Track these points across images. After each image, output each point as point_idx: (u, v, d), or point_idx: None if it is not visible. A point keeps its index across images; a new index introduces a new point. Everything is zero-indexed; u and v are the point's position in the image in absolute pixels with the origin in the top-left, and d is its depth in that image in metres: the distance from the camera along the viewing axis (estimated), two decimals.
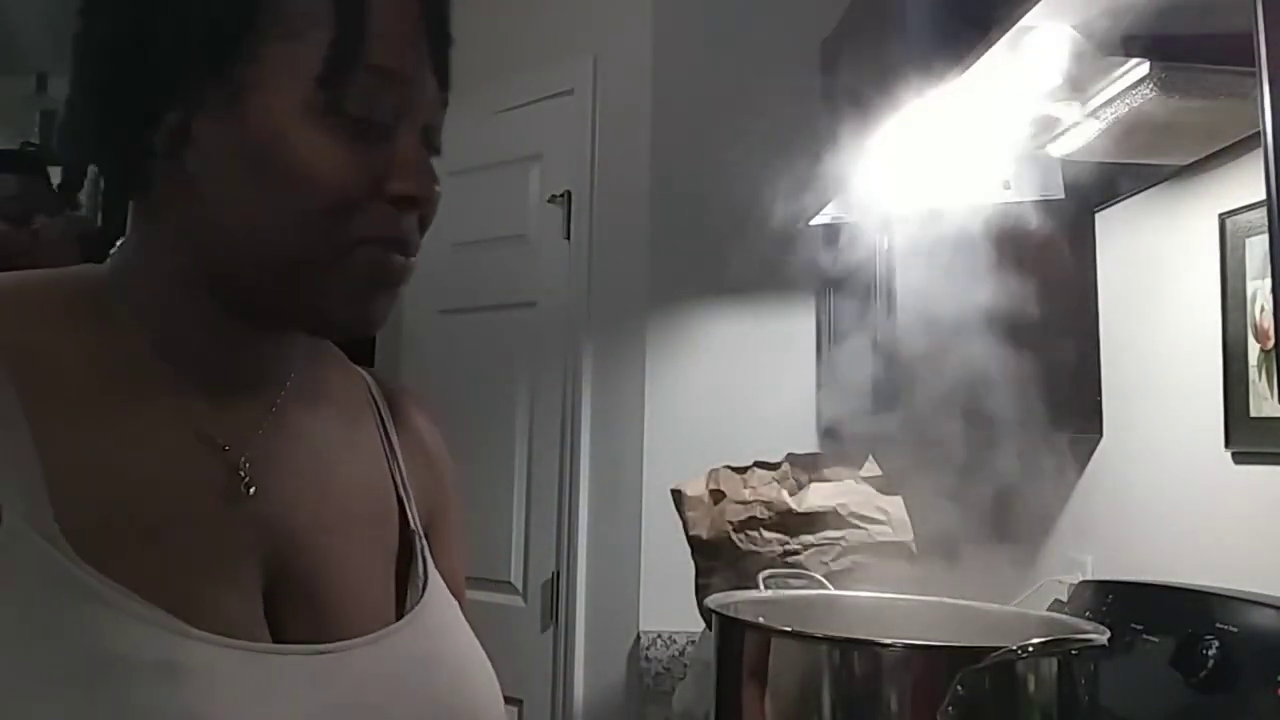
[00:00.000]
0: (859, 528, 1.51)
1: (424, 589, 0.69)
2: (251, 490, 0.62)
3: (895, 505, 1.54)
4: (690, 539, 1.64)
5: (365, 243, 0.60)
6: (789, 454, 1.69)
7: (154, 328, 0.61)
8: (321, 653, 0.60)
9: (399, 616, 0.66)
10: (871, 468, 1.60)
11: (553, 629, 2.25)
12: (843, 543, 1.49)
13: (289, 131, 0.58)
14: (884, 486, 1.57)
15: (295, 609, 0.61)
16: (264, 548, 0.61)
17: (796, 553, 1.48)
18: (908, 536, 1.52)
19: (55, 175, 2.03)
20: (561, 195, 2.33)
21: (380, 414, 0.75)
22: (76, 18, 0.61)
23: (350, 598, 0.64)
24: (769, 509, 1.54)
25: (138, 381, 0.60)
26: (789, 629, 1.03)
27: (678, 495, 1.68)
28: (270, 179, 0.58)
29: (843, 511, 1.51)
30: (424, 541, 0.72)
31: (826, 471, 1.60)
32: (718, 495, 1.61)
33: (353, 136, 0.59)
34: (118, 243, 0.64)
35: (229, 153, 0.58)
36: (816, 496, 1.54)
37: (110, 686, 0.51)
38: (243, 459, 0.62)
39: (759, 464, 1.67)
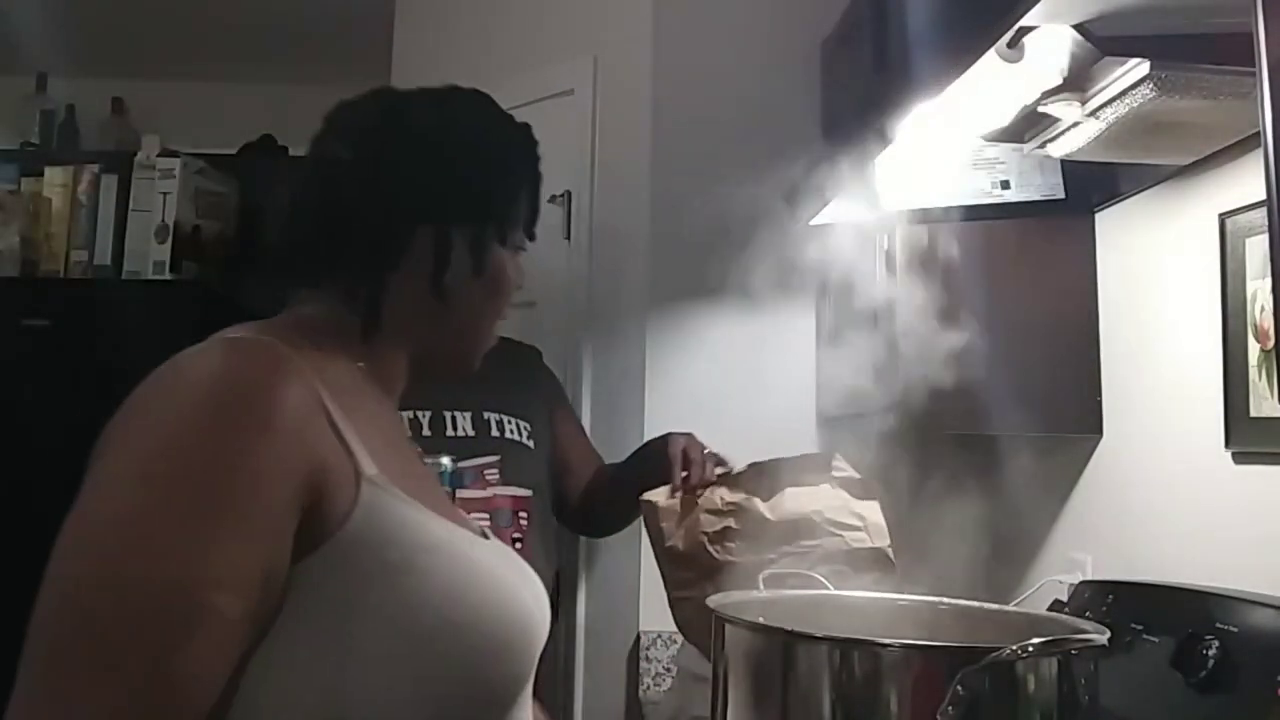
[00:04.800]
0: (835, 535, 1.46)
1: None
2: (426, 461, 1.06)
3: (871, 510, 1.49)
4: (666, 550, 1.58)
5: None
6: (750, 464, 1.62)
7: (374, 365, 0.97)
8: (488, 539, 0.99)
9: None
10: (841, 466, 1.55)
11: (552, 628, 2.24)
12: (819, 550, 1.45)
13: (505, 263, 1.04)
14: (859, 491, 1.53)
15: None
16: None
17: (773, 562, 1.44)
18: (884, 543, 1.47)
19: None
20: (561, 195, 2.33)
21: None
22: (431, 199, 0.99)
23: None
24: (742, 519, 1.50)
25: (373, 397, 0.95)
26: (789, 629, 1.03)
27: (650, 506, 1.61)
28: (491, 290, 1.02)
29: (817, 519, 1.47)
30: None
31: (803, 476, 1.54)
32: (690, 503, 1.57)
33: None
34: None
35: (470, 274, 1.00)
36: (790, 503, 1.49)
37: (444, 553, 0.86)
38: (415, 445, 1.03)
39: (722, 478, 1.60)
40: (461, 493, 1.68)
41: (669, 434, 1.74)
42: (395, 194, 0.98)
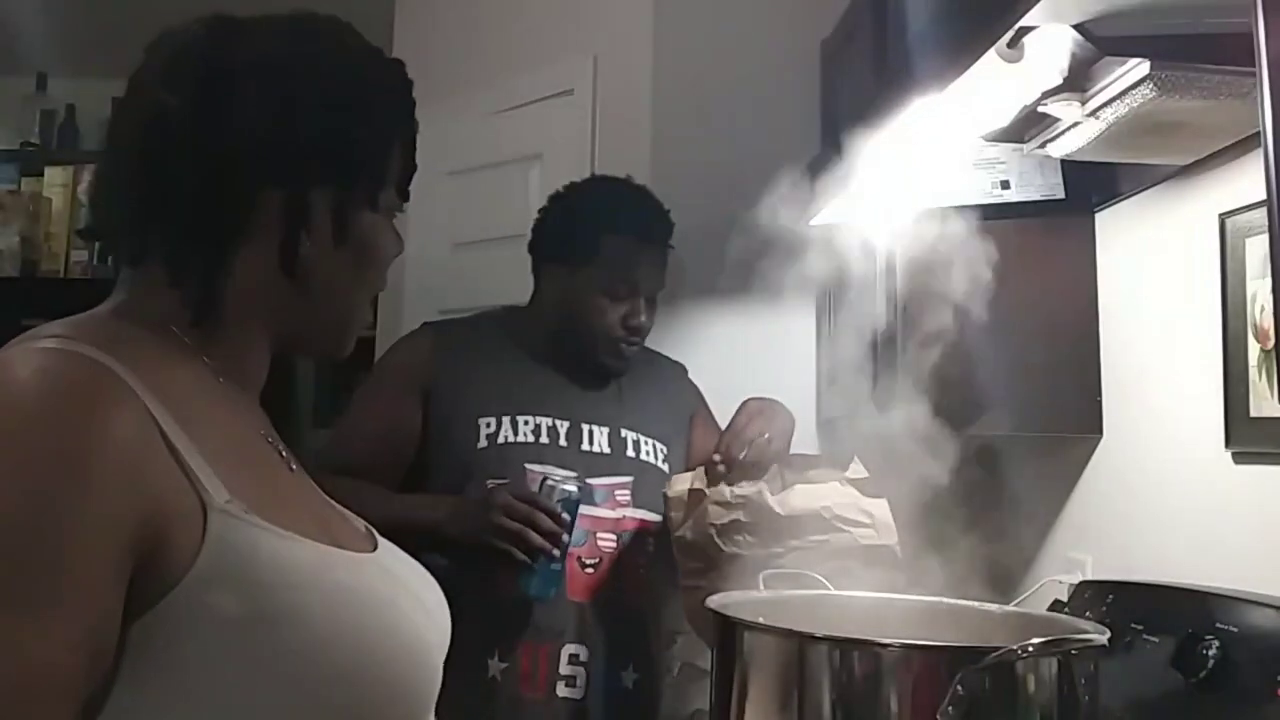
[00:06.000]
0: (843, 531, 1.48)
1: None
2: (293, 467, 0.87)
3: (880, 508, 1.50)
4: (675, 539, 1.62)
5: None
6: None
7: (223, 359, 0.82)
8: (375, 549, 0.86)
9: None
10: (858, 469, 1.57)
11: None
12: (826, 547, 1.46)
13: (377, 230, 0.87)
14: (869, 489, 1.54)
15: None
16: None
17: (780, 556, 1.45)
18: (892, 540, 1.49)
19: None
20: None
21: None
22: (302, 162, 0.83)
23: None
24: (751, 512, 1.51)
25: (225, 399, 0.81)
26: (789, 629, 1.03)
27: (665, 496, 1.65)
28: (358, 261, 0.86)
29: (826, 515, 1.48)
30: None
31: (810, 473, 1.57)
32: (698, 495, 1.59)
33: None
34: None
35: (330, 245, 0.84)
36: (800, 499, 1.50)
37: (316, 589, 0.73)
38: (279, 446, 0.87)
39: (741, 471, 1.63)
40: (590, 510, 1.65)
41: (749, 400, 1.73)
42: (235, 149, 0.80)
